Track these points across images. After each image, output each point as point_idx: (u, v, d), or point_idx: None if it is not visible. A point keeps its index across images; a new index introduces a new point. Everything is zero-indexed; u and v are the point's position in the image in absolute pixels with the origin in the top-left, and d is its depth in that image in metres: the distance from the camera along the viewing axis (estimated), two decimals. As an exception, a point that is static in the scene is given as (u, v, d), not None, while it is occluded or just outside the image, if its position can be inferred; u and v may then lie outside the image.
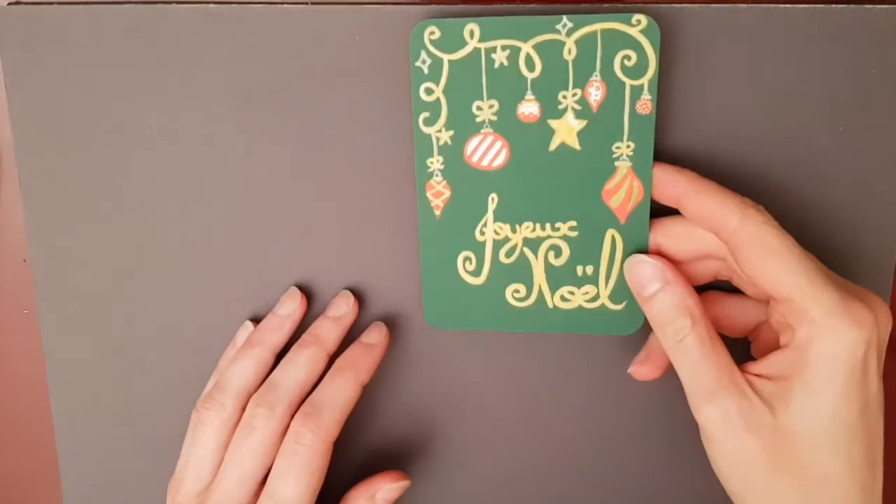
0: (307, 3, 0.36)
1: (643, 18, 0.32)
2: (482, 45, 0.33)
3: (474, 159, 0.35)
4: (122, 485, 0.42)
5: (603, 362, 0.39)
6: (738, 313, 0.35)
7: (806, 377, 0.30)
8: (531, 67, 0.33)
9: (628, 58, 0.32)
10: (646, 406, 0.39)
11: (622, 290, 0.35)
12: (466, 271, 0.36)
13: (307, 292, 0.39)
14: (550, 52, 0.33)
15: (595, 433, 0.40)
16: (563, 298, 0.36)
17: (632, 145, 0.34)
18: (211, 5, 0.36)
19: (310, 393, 0.36)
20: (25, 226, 0.39)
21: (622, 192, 0.34)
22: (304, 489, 0.35)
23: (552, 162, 0.34)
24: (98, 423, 0.42)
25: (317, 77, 0.36)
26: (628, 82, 0.33)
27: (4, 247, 0.44)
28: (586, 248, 0.35)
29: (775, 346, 0.32)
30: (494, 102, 0.34)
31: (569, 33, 0.32)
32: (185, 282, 0.39)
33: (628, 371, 0.37)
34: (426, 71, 0.34)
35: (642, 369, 0.36)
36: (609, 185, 0.34)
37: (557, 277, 0.36)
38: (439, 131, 0.34)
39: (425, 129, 0.34)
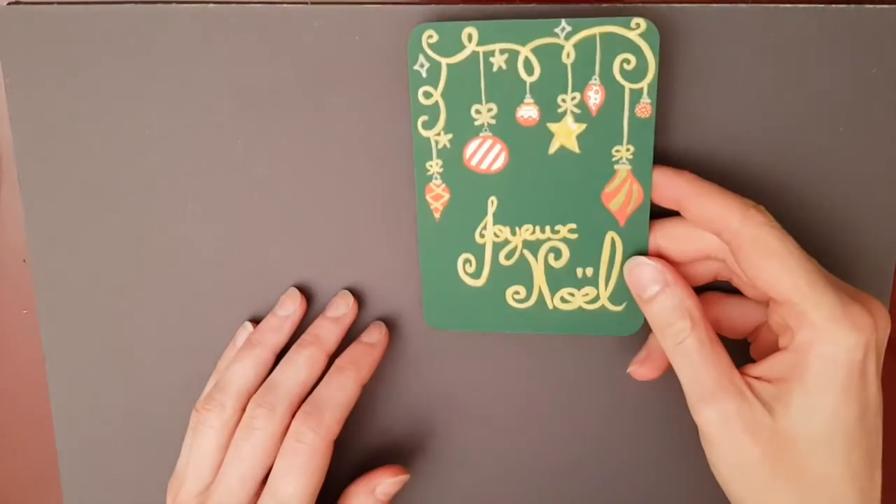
0: (307, 3, 0.35)
1: (642, 22, 0.32)
2: (480, 49, 0.33)
3: (473, 162, 0.35)
4: (122, 485, 0.42)
5: (602, 363, 0.39)
6: (737, 315, 0.35)
7: (805, 380, 0.30)
8: (530, 71, 0.33)
9: (627, 61, 0.32)
10: (645, 407, 0.39)
11: (622, 292, 0.35)
12: (466, 273, 0.36)
13: (307, 292, 0.39)
14: (549, 55, 0.33)
15: (594, 433, 0.40)
16: (563, 300, 0.36)
17: (631, 149, 0.33)
18: (211, 5, 0.36)
19: (310, 393, 0.36)
20: (25, 226, 0.39)
21: (622, 195, 0.34)
22: (305, 488, 0.35)
23: (551, 165, 0.34)
24: (98, 423, 0.42)
25: (317, 77, 0.36)
26: (627, 86, 0.33)
27: (4, 247, 0.44)
28: (586, 251, 0.35)
29: (775, 348, 0.32)
30: (493, 106, 0.34)
31: (567, 37, 0.32)
32: (185, 282, 0.39)
33: (628, 371, 0.36)
34: (424, 74, 0.33)
35: (642, 369, 0.36)
36: (609, 188, 0.34)
37: (557, 279, 0.36)
38: (438, 134, 0.34)
39: (424, 133, 0.34)
